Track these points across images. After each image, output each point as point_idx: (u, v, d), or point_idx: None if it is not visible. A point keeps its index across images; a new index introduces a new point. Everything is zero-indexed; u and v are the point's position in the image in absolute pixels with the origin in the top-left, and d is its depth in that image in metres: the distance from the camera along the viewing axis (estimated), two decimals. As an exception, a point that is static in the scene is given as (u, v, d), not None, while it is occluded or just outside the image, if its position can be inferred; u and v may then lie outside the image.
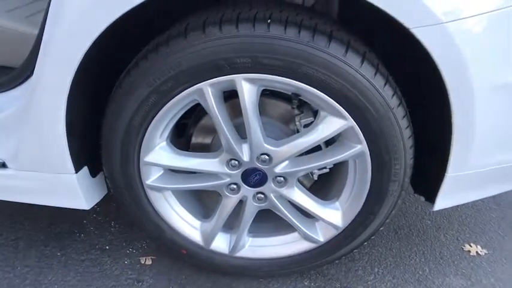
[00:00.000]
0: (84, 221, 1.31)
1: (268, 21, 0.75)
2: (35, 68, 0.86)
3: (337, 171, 1.00)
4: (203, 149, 1.04)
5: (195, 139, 1.04)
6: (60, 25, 0.78)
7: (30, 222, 1.32)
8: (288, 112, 0.97)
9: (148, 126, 0.87)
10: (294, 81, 0.78)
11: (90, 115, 0.94)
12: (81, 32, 0.76)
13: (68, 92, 0.83)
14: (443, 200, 0.97)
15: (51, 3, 0.79)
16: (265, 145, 0.88)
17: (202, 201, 1.12)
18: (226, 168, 0.92)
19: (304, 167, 0.91)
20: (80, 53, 0.77)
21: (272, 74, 0.78)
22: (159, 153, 0.92)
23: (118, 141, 0.89)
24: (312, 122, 0.90)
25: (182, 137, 1.06)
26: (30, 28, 1.17)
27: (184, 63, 0.78)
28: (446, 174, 0.90)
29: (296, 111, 0.93)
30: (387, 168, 0.88)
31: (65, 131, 0.89)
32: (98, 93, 0.92)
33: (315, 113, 0.90)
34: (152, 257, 1.19)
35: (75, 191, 1.01)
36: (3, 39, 1.17)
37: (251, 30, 0.75)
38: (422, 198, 1.04)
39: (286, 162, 0.91)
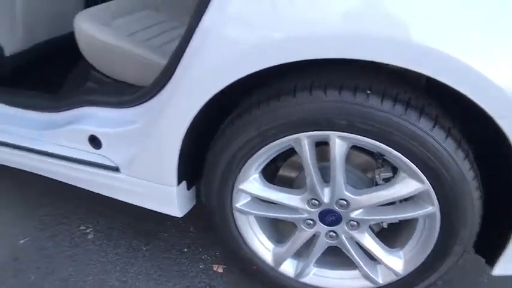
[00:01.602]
0: (168, 222, 1.49)
1: (368, 92, 0.88)
2: (165, 93, 1.05)
3: (406, 223, 1.09)
4: (287, 181, 1.17)
5: (282, 171, 1.18)
6: (198, 64, 0.95)
7: (123, 216, 1.53)
8: (368, 163, 1.08)
9: (247, 161, 1.02)
10: (383, 145, 0.89)
11: (199, 141, 1.11)
12: (218, 78, 0.92)
13: (191, 120, 1.00)
14: (505, 266, 1.02)
15: (192, 44, 0.95)
16: (346, 192, 1.00)
17: (278, 227, 1.25)
18: (306, 206, 1.05)
19: (377, 217, 1.02)
20: (211, 93, 0.94)
21: (363, 136, 0.90)
22: (251, 183, 1.07)
23: (220, 168, 1.05)
24: (390, 177, 1.01)
25: (271, 166, 1.20)
26: (148, 52, 1.36)
27: (289, 117, 0.92)
28: (510, 239, 0.96)
29: (377, 164, 1.04)
30: (454, 231, 0.96)
31: (179, 152, 1.07)
32: (210, 125, 1.09)
33: (394, 169, 1.01)
34: (223, 266, 1.35)
35: (172, 200, 1.19)
36: (127, 60, 1.38)
37: (352, 98, 0.88)
38: (483, 260, 1.10)
39: (361, 210, 1.02)
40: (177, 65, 1.02)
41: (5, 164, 1.47)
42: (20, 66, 1.65)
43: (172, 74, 1.04)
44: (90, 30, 1.38)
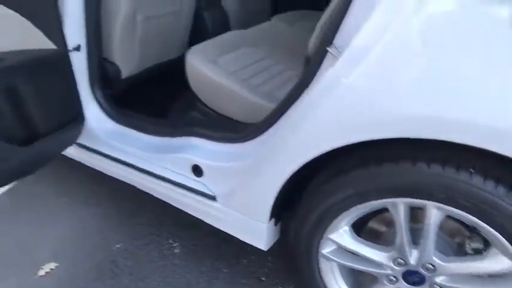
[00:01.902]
0: (249, 249, 1.60)
1: (471, 171, 0.91)
2: (274, 136, 1.15)
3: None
4: (375, 234, 1.22)
5: (372, 224, 1.23)
6: (315, 118, 1.02)
7: (209, 236, 1.66)
8: (458, 230, 1.10)
9: (340, 214, 1.09)
10: (480, 222, 0.93)
11: (296, 185, 1.20)
12: (336, 136, 1.00)
13: (297, 169, 1.09)
14: None
15: (309, 95, 1.04)
16: (434, 257, 1.03)
17: (358, 276, 1.30)
18: (392, 263, 1.10)
19: (463, 287, 1.05)
20: (323, 150, 1.02)
21: (461, 211, 0.93)
22: (341, 235, 1.13)
23: (313, 218, 1.13)
24: (480, 249, 1.03)
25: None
26: (250, 93, 1.49)
27: (390, 183, 0.98)
28: None
29: (467, 233, 1.07)
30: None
31: (277, 193, 1.17)
32: (308, 175, 1.17)
33: (484, 240, 1.03)
34: (298, 302, 1.43)
35: (261, 235, 1.29)
36: (231, 99, 1.51)
37: (454, 174, 0.92)
38: None
39: (447, 276, 1.05)
40: (286, 111, 1.13)
41: (114, 176, 1.66)
42: (131, 87, 1.85)
43: (280, 117, 1.14)
44: (200, 66, 1.54)
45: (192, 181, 1.41)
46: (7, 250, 1.64)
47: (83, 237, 1.70)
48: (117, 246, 1.65)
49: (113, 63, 1.72)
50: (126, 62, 1.76)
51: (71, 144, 1.42)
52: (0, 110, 1.05)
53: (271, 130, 1.19)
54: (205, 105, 1.60)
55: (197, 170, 1.38)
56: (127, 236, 1.69)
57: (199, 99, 1.61)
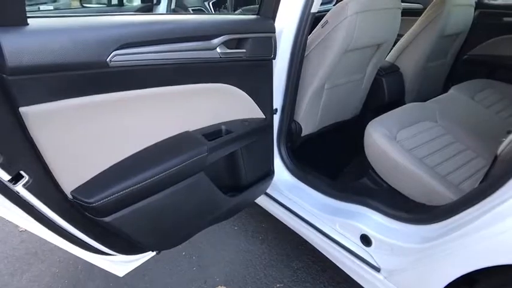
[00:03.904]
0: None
1: None
2: (459, 230, 1.19)
3: None
4: None
5: None
6: None
7: None
8: None
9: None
10: None
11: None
12: None
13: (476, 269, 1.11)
14: None
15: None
16: None
17: None
18: None
19: None
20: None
21: None
22: None
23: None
24: None
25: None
26: (427, 176, 1.53)
27: None
28: None
29: None
30: None
31: (449, 283, 1.19)
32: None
33: None
34: None
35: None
36: (406, 178, 1.59)
37: None
38: None
39: None
40: (470, 207, 1.16)
41: (285, 223, 1.88)
42: (307, 143, 2.07)
43: (462, 211, 1.18)
44: (378, 141, 1.65)
45: (358, 248, 1.52)
46: (185, 263, 1.99)
47: (249, 268, 1.96)
48: (278, 285, 1.85)
49: (297, 123, 1.96)
50: (308, 123, 1.98)
51: (262, 194, 1.69)
52: (222, 169, 1.35)
53: (453, 221, 1.23)
54: (378, 175, 1.71)
55: (365, 240, 1.49)
56: (288, 277, 1.88)
57: (372, 168, 1.72)
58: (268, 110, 1.52)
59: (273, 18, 1.36)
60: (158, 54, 0.97)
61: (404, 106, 1.93)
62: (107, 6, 2.81)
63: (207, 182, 1.20)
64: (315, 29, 1.78)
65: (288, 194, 1.81)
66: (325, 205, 1.69)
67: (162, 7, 2.66)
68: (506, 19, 2.58)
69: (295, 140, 2.01)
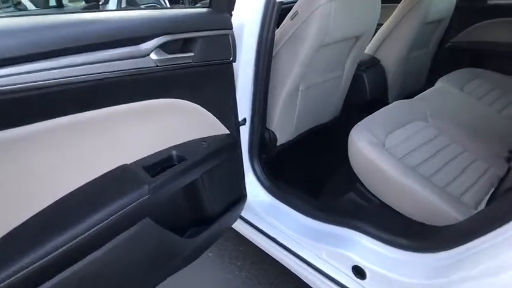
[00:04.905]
0: None
1: None
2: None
3: None
4: None
5: None
6: None
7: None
8: None
9: None
10: None
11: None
12: None
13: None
14: None
15: None
16: None
17: None
18: None
19: None
20: None
21: None
22: None
23: None
24: None
25: None
26: (423, 189, 1.29)
27: None
28: None
29: None
30: None
31: None
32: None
33: None
34: None
35: None
36: (399, 192, 1.34)
37: None
38: None
39: None
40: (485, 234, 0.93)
41: (264, 249, 1.62)
42: (284, 152, 1.81)
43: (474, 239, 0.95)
44: (365, 150, 1.40)
45: (350, 280, 1.27)
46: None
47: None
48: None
49: (270, 132, 1.70)
50: (284, 130, 1.73)
51: (233, 223, 1.42)
52: (178, 205, 1.07)
53: (466, 250, 1.00)
54: (366, 189, 1.46)
55: (358, 272, 1.24)
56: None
57: (359, 181, 1.48)
58: (233, 123, 1.26)
59: (229, 11, 1.09)
60: (60, 71, 0.69)
61: (390, 105, 1.69)
62: (43, 8, 2.47)
63: (154, 229, 0.92)
64: (284, 22, 1.52)
65: (265, 216, 1.55)
66: (309, 228, 1.44)
67: (111, 7, 2.35)
68: (490, 2, 2.38)
69: (270, 151, 1.75)
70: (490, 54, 2.34)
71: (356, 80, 1.99)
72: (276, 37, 1.48)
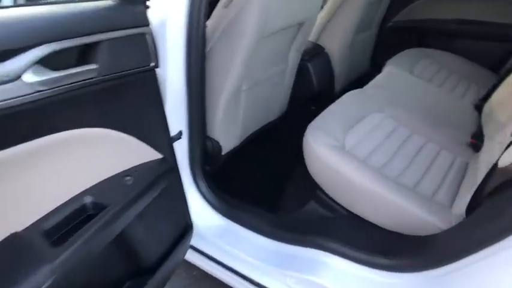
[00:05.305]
0: None
1: None
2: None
3: None
4: None
5: None
6: None
7: None
8: None
9: None
10: None
11: None
12: None
13: None
14: None
15: None
16: None
17: None
18: None
19: None
20: None
21: None
22: None
23: None
24: None
25: None
26: (390, 192, 1.14)
27: None
28: None
29: None
30: None
31: None
32: None
33: None
34: None
35: None
36: (364, 197, 1.18)
37: None
38: None
39: None
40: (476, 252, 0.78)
41: (222, 280, 1.39)
42: (230, 161, 1.59)
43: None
44: (324, 156, 1.23)
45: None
46: None
47: None
48: None
49: (213, 141, 1.46)
50: (228, 137, 1.50)
51: (181, 260, 1.17)
52: (106, 261, 0.81)
53: (458, 268, 0.85)
54: (329, 197, 1.29)
55: (334, 299, 1.07)
56: None
57: (319, 187, 1.30)
58: (164, 142, 1.01)
59: (144, 2, 0.83)
60: None
61: (342, 98, 1.52)
62: None
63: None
64: (214, 12, 1.28)
65: (218, 242, 1.32)
66: (270, 252, 1.23)
67: (6, 1, 1.94)
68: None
69: (215, 162, 1.51)
70: (432, 32, 2.26)
71: (301, 71, 1.80)
72: (207, 30, 1.24)
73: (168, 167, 0.98)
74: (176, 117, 1.19)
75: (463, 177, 1.29)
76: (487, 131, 1.39)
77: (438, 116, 1.58)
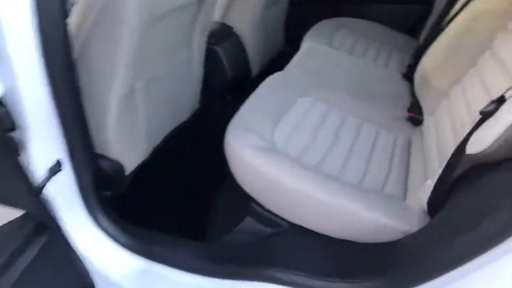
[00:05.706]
0: None
1: None
2: None
3: None
4: None
5: None
6: None
7: None
8: None
9: None
10: None
11: None
12: None
13: None
14: None
15: None
16: None
17: None
18: None
19: None
20: None
21: None
22: None
23: None
24: None
25: None
26: (325, 191, 0.96)
27: None
28: None
29: None
30: None
31: None
32: None
33: None
34: None
35: None
36: (302, 203, 0.97)
37: None
38: None
39: None
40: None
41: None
42: (138, 181, 1.29)
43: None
44: (251, 160, 1.00)
45: None
46: None
47: None
48: None
49: (111, 160, 1.15)
50: (130, 152, 1.19)
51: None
52: None
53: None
54: (265, 209, 1.06)
55: None
56: None
57: (253, 200, 1.07)
58: (24, 191, 0.69)
59: None
60: None
61: (263, 85, 1.28)
62: None
63: None
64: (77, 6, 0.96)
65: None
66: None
67: None
68: None
69: (119, 186, 1.20)
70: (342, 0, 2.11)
71: (210, 57, 1.52)
72: (73, 25, 0.92)
73: (34, 226, 0.67)
74: (47, 144, 0.87)
75: (408, 159, 1.14)
76: (425, 102, 1.25)
77: (368, 89, 1.43)
